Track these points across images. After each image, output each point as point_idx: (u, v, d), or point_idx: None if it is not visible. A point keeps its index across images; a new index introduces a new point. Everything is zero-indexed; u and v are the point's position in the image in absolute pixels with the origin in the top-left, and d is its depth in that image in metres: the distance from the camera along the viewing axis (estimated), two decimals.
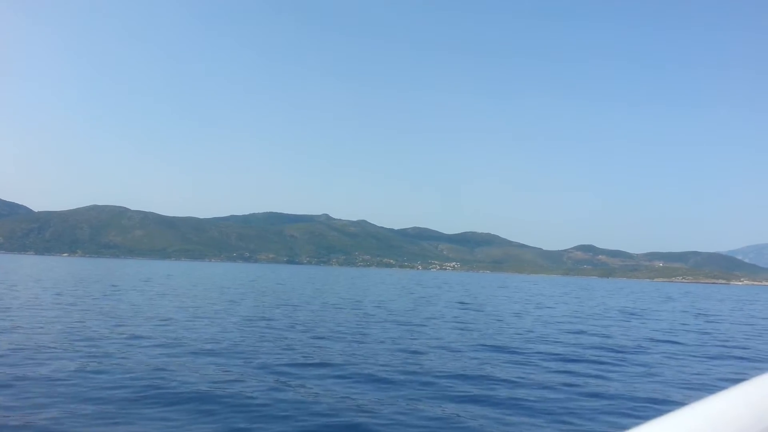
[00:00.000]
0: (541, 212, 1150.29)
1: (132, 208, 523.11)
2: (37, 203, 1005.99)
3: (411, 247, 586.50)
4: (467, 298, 44.98)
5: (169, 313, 21.99)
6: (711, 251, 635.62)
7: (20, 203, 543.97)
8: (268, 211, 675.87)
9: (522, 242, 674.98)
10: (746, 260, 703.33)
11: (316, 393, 9.96)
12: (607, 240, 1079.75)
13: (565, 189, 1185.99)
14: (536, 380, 11.89)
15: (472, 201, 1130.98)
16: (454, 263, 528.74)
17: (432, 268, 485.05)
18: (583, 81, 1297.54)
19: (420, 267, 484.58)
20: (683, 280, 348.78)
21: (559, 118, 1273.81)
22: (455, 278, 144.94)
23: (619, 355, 16.03)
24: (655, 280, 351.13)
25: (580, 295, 60.24)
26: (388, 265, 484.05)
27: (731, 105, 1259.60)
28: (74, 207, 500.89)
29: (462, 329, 20.95)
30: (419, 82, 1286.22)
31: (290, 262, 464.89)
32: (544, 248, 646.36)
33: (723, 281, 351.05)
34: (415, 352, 14.70)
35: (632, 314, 33.67)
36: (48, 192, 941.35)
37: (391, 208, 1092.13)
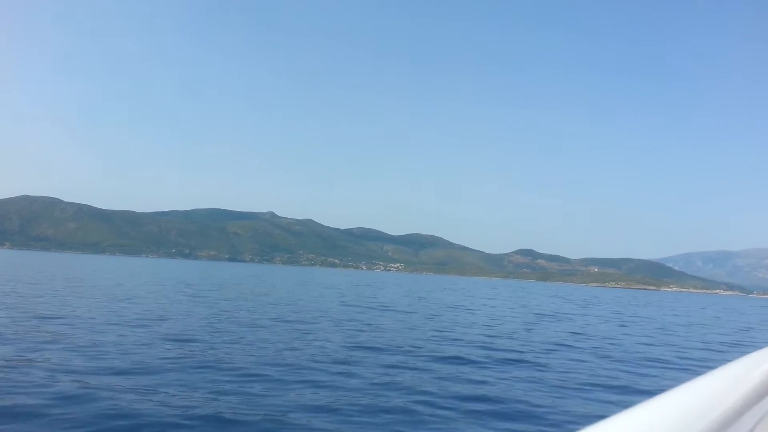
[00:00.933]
0: (484, 216, 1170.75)
1: (65, 200, 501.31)
2: None
3: (356, 247, 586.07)
4: (394, 298, 43.82)
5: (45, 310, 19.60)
6: (643, 258, 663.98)
7: None
8: (212, 207, 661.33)
9: (465, 245, 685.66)
10: (676, 267, 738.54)
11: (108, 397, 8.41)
12: (546, 245, 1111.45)
13: (508, 194, 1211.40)
14: (397, 383, 10.51)
15: (418, 203, 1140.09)
16: (398, 264, 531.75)
17: (376, 268, 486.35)
18: (522, 88, 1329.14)
19: (364, 267, 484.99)
20: (616, 285, 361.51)
21: (501, 124, 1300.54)
22: (392, 279, 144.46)
23: (510, 359, 14.91)
24: (589, 284, 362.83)
25: (508, 298, 60.23)
26: (333, 265, 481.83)
27: (667, 116, 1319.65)
28: (4, 197, 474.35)
29: (360, 330, 19.49)
30: (363, 82, 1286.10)
31: (232, 259, 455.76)
32: (487, 251, 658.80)
33: (653, 287, 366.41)
34: (281, 350, 13.09)
35: (550, 318, 33.19)
36: None
37: (337, 208, 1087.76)
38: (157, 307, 23.71)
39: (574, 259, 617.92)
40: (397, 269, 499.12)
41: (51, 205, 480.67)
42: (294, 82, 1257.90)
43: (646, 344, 21.36)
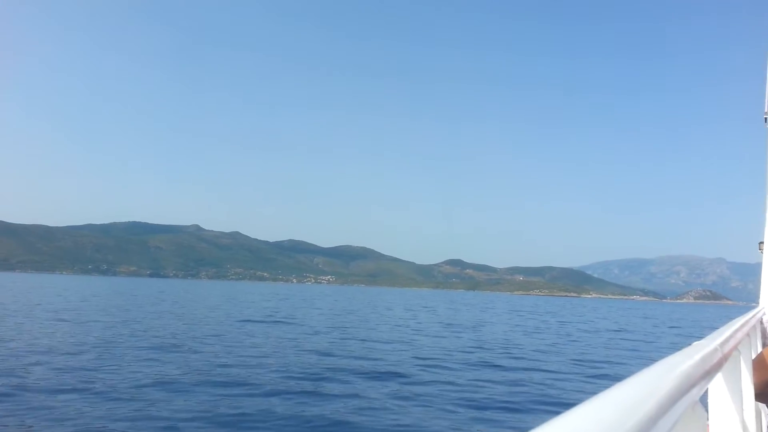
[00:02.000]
0: (415, 227, 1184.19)
1: None
2: None
3: (286, 260, 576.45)
4: (300, 311, 41.55)
5: None
6: (565, 266, 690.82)
7: None
8: (131, 220, 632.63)
9: (396, 256, 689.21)
10: (595, 275, 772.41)
11: None
12: (474, 255, 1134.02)
13: (438, 205, 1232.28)
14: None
15: (348, 214, 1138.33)
16: (329, 277, 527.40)
17: (307, 281, 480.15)
18: (440, 100, 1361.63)
19: (295, 280, 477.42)
20: (540, 293, 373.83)
21: (428, 137, 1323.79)
22: (319, 291, 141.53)
23: (385, 373, 13.08)
24: (514, 293, 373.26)
25: (425, 309, 59.19)
26: (262, 279, 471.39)
27: (583, 129, 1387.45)
28: None
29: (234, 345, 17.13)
30: (287, 92, 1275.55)
31: (154, 275, 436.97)
32: (417, 262, 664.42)
33: (574, 294, 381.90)
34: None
35: (458, 328, 31.93)
36: None
37: (266, 220, 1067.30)
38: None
39: (500, 268, 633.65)
40: (328, 282, 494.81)
41: None
42: (217, 92, 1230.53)
43: (543, 352, 20.15)
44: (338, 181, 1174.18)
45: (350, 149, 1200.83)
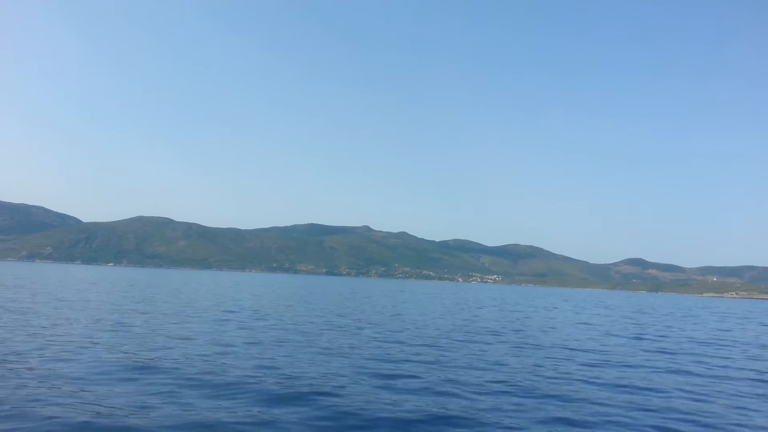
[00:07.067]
0: (588, 225, 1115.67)
1: (176, 220, 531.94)
2: (86, 214, 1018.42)
3: (451, 259, 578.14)
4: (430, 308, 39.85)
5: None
6: None
7: (70, 214, 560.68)
8: (310, 222, 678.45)
9: (567, 255, 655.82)
10: None
11: None
12: (658, 254, 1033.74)
13: (614, 201, 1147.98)
14: None
15: (515, 213, 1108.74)
16: (495, 276, 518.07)
17: (473, 280, 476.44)
18: (619, 96, 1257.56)
19: (460, 279, 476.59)
20: (736, 295, 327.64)
21: (602, 132, 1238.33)
22: (474, 290, 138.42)
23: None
24: (704, 295, 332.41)
25: (576, 310, 54.10)
26: (428, 278, 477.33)
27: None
28: (121, 218, 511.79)
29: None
30: (457, 97, 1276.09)
31: (329, 273, 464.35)
32: (591, 261, 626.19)
33: None
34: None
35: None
36: (97, 203, 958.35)
37: (432, 220, 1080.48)
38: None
39: (689, 268, 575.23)
40: (495, 281, 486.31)
41: (163, 224, 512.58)
42: (387, 99, 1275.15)
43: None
44: (504, 180, 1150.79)
45: (513, 147, 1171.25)
